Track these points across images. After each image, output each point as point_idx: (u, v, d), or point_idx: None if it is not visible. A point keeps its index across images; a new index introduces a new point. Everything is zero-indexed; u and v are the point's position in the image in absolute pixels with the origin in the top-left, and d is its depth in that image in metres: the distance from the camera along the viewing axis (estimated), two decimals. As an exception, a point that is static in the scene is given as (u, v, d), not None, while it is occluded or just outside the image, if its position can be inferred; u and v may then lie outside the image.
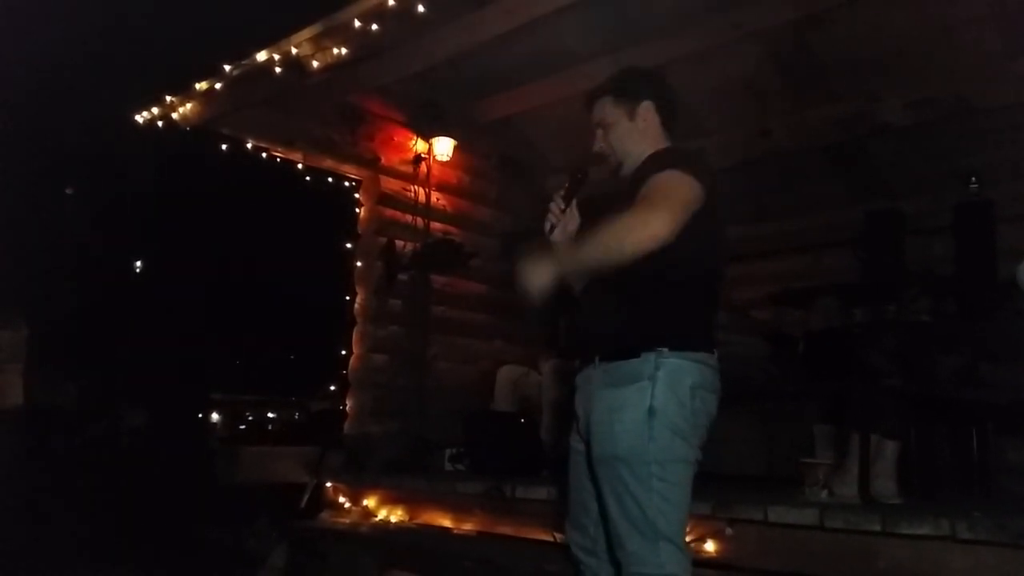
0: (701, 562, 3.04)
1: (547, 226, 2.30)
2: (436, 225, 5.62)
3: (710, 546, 3.03)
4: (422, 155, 5.53)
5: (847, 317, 4.10)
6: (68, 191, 16.57)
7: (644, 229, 1.95)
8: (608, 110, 2.34)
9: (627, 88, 2.36)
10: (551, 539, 3.52)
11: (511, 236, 5.86)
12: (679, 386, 2.07)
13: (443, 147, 5.54)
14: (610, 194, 2.30)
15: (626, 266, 2.00)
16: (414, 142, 5.54)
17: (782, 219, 5.77)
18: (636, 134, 2.31)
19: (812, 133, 5.06)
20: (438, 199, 5.67)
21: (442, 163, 5.62)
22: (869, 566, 2.68)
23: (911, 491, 3.32)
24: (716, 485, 3.56)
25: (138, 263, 17.46)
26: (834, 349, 3.91)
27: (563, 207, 2.30)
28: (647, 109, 2.32)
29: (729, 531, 2.99)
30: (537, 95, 5.19)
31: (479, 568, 3.50)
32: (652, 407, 2.05)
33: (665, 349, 2.08)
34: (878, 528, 2.66)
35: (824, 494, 3.18)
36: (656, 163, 2.18)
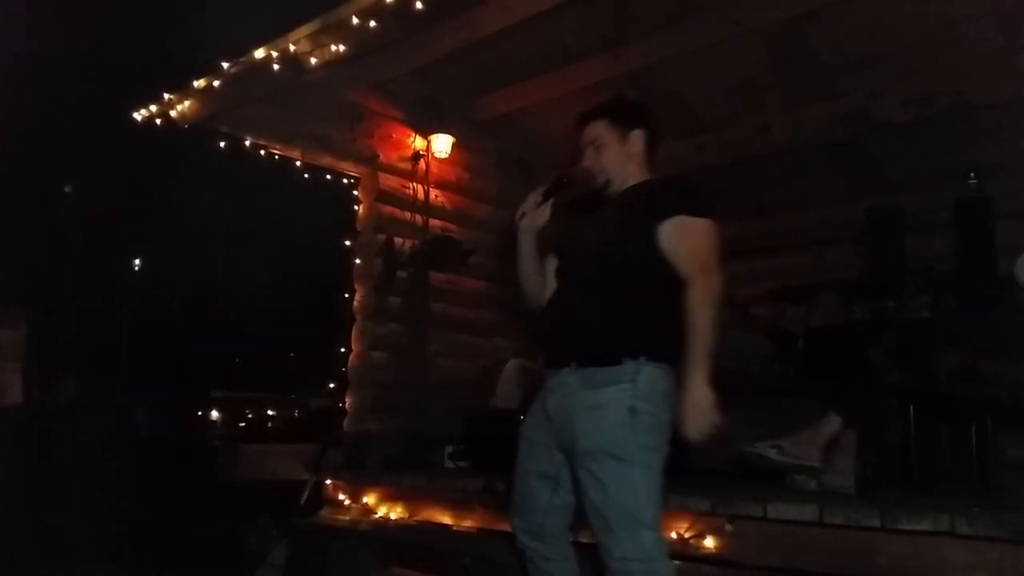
0: (701, 559, 3.04)
1: (519, 214, 2.55)
2: (435, 222, 5.61)
3: (710, 542, 3.02)
4: (421, 152, 5.52)
5: (847, 313, 4.09)
6: (67, 189, 16.56)
7: (719, 291, 2.23)
8: (602, 131, 2.53)
9: (622, 114, 2.57)
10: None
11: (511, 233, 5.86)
12: (655, 391, 2.26)
13: (442, 144, 5.53)
14: (582, 202, 2.59)
15: (611, 280, 2.32)
16: (413, 139, 5.53)
17: (782, 215, 5.77)
18: (625, 157, 2.52)
19: (812, 130, 5.05)
20: (437, 196, 5.66)
21: (441, 160, 5.61)
22: (869, 562, 2.68)
23: (911, 487, 3.33)
24: (715, 481, 3.57)
25: (137, 261, 17.43)
26: (834, 345, 3.92)
27: (541, 201, 2.53)
28: (638, 136, 2.53)
29: (728, 527, 2.99)
30: (536, 92, 5.19)
31: (478, 565, 3.50)
32: (634, 406, 2.23)
33: (644, 358, 2.26)
34: (877, 524, 2.66)
35: (813, 484, 3.20)
36: (675, 200, 2.37)
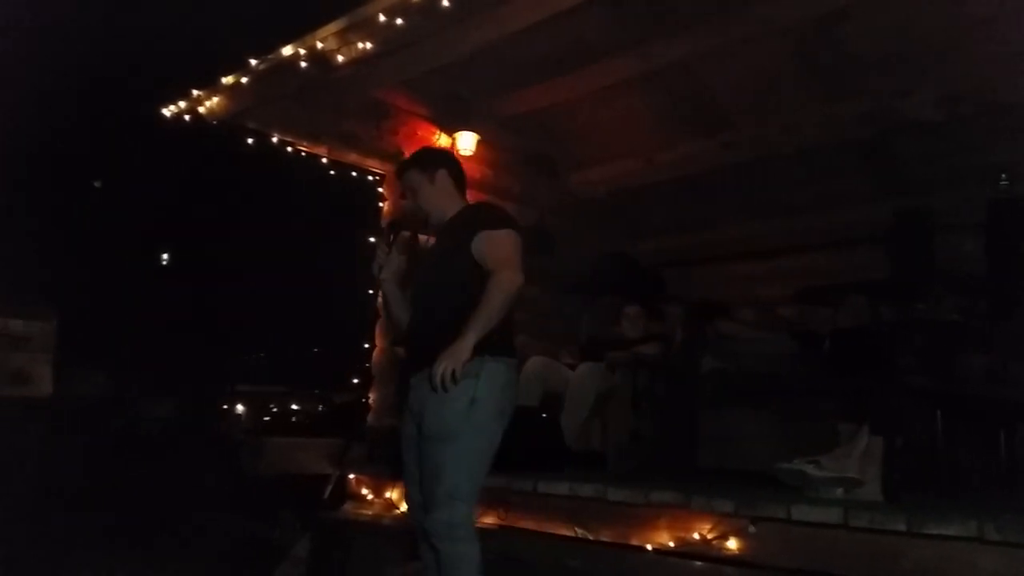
0: (723, 560, 3.03)
1: (375, 268, 3.07)
2: (459, 220, 5.61)
3: (732, 544, 3.01)
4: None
5: (875, 315, 4.05)
6: (96, 184, 16.77)
7: (514, 283, 2.67)
8: (415, 177, 3.04)
9: (427, 161, 3.09)
10: (572, 534, 3.52)
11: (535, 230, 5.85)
12: (495, 383, 2.71)
13: (467, 141, 5.54)
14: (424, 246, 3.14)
15: (448, 294, 2.78)
16: (438, 136, 5.54)
17: (809, 215, 5.71)
18: (436, 194, 3.03)
19: (839, 129, 5.00)
20: (461, 194, 5.67)
21: (466, 157, 5.59)
22: (894, 566, 2.66)
23: (938, 491, 3.29)
24: (739, 483, 3.56)
25: (165, 255, 17.63)
26: (861, 347, 3.88)
27: (387, 250, 3.08)
28: (443, 175, 3.04)
29: (752, 529, 2.98)
30: (562, 90, 5.18)
31: (500, 562, 3.50)
32: (475, 398, 2.66)
33: (487, 355, 2.66)
34: (903, 528, 2.63)
35: (839, 492, 3.16)
36: (481, 219, 2.87)
